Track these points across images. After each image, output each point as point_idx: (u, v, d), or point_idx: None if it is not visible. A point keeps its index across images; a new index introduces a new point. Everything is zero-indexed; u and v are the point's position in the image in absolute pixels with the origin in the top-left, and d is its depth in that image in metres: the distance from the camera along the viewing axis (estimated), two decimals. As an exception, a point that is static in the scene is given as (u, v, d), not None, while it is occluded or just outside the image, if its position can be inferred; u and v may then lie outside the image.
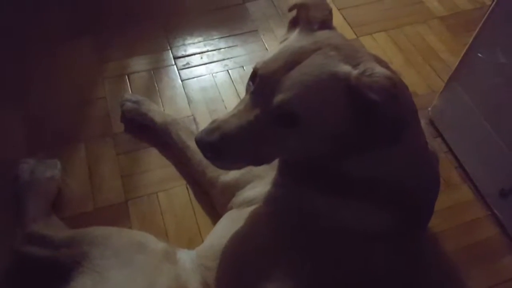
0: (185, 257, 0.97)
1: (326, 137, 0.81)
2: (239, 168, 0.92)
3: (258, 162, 0.88)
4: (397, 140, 0.78)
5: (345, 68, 0.77)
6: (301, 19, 0.88)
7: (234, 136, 0.80)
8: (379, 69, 0.76)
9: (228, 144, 0.80)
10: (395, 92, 0.74)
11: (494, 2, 1.13)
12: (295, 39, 0.85)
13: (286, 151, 0.86)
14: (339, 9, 1.77)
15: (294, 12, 0.92)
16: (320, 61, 0.79)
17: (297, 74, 0.78)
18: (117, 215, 1.20)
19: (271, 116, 0.79)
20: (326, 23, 0.87)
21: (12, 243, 1.04)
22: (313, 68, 0.78)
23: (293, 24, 0.92)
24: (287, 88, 0.78)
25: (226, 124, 0.80)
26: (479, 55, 1.20)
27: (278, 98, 0.78)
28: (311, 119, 0.78)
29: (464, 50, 1.26)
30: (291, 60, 0.79)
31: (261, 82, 0.81)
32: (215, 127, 0.81)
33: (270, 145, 0.83)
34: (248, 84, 0.86)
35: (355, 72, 0.76)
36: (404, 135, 0.79)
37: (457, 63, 1.31)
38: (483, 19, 1.17)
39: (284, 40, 0.90)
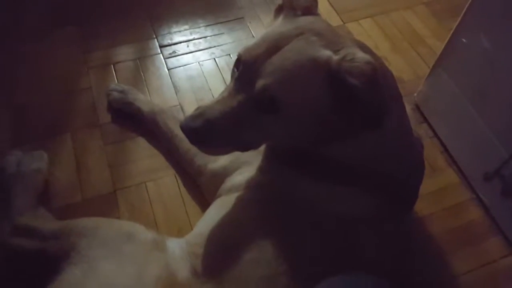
0: (175, 245, 0.97)
1: (308, 122, 0.82)
2: (225, 153, 0.93)
3: (244, 148, 0.89)
4: (378, 125, 0.79)
5: (326, 53, 0.78)
6: (286, 6, 0.89)
7: (218, 121, 0.81)
8: (360, 54, 0.77)
9: (212, 129, 0.82)
10: (375, 77, 0.75)
11: (478, -13, 1.14)
12: (278, 25, 0.86)
13: (269, 136, 0.87)
14: (325, -4, 1.77)
15: (280, 0, 0.92)
16: (301, 46, 0.79)
17: (278, 59, 0.79)
18: (106, 205, 1.19)
19: (253, 101, 0.80)
20: (310, 9, 0.88)
21: (0, 235, 1.04)
22: (294, 53, 0.79)
23: (279, 11, 0.92)
24: (268, 73, 0.79)
25: (210, 110, 0.82)
26: (463, 40, 1.21)
27: (259, 83, 0.79)
28: (292, 104, 0.79)
29: (449, 36, 1.27)
30: (273, 46, 0.80)
31: (244, 68, 0.82)
32: (199, 113, 0.82)
33: (253, 130, 0.84)
34: (233, 71, 0.87)
35: (335, 57, 0.77)
36: (386, 120, 0.79)
37: (442, 48, 1.32)
38: (467, 4, 1.17)
39: (269, 27, 0.90)
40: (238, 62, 0.84)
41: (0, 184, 1.15)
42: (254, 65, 0.80)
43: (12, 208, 1.07)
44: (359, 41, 0.88)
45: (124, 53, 1.54)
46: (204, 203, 1.17)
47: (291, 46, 0.79)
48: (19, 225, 1.03)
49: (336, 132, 0.82)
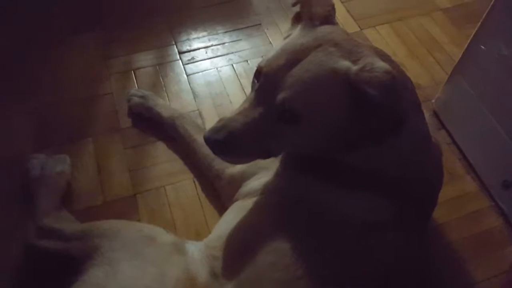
0: (193, 248, 0.99)
1: (328, 132, 0.83)
2: (247, 162, 0.96)
3: (265, 156, 0.92)
4: (397, 133, 0.80)
5: (345, 64, 0.79)
6: (304, 15, 0.90)
7: (240, 133, 0.84)
8: (378, 64, 0.78)
9: (235, 141, 0.84)
10: (394, 86, 0.76)
11: (497, -6, 1.14)
12: (297, 35, 0.88)
13: (290, 146, 0.89)
14: (342, 2, 1.78)
15: (297, 8, 0.93)
16: (320, 58, 0.81)
17: (298, 72, 0.80)
18: (126, 208, 1.22)
19: (274, 113, 0.82)
20: (328, 19, 0.89)
21: (24, 236, 1.07)
22: (313, 65, 0.80)
23: (296, 19, 0.94)
24: (288, 86, 0.80)
25: (232, 122, 0.84)
26: (482, 47, 1.21)
27: (280, 96, 0.81)
28: (313, 115, 0.81)
29: (467, 42, 1.26)
30: (293, 58, 0.82)
31: (265, 81, 0.84)
32: (222, 126, 0.85)
33: (275, 140, 0.86)
34: (253, 82, 0.89)
35: (354, 67, 0.78)
36: (405, 128, 0.80)
37: (460, 55, 1.31)
38: (486, 11, 1.17)
39: (288, 36, 0.92)
40: (259, 74, 0.86)
41: (24, 186, 1.18)
42: (275, 78, 0.82)
43: (36, 210, 1.10)
44: (378, 49, 0.89)
45: (144, 59, 1.57)
46: (221, 207, 1.19)
47: (311, 58, 0.81)
48: (43, 227, 1.06)
49: (355, 140, 0.83)
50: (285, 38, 0.92)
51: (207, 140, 0.86)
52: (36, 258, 1.06)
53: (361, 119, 0.80)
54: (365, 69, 0.77)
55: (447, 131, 1.42)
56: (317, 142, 0.86)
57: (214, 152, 0.89)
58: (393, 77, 0.76)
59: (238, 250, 0.93)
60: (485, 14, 1.18)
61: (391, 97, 0.76)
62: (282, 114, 0.82)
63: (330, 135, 0.83)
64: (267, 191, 0.99)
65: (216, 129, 0.85)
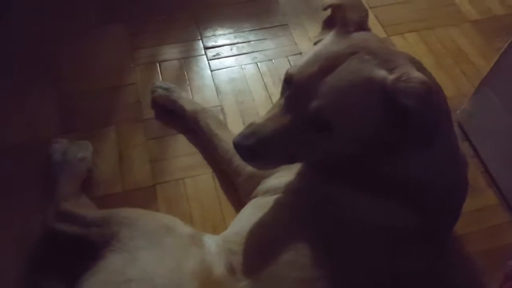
0: (211, 241, 0.99)
1: (359, 141, 0.82)
2: (274, 167, 0.96)
3: (292, 162, 0.92)
4: (430, 144, 0.79)
5: (381, 73, 0.78)
6: (337, 21, 0.89)
7: (270, 140, 0.83)
8: (415, 74, 0.77)
9: (264, 147, 0.84)
10: (429, 97, 0.75)
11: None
12: (330, 42, 0.86)
13: (320, 153, 0.88)
14: (370, 8, 1.77)
15: (328, 11, 0.92)
16: (355, 66, 0.79)
17: (332, 80, 0.79)
18: (145, 198, 1.22)
19: (305, 121, 0.81)
20: (362, 25, 0.88)
21: (44, 219, 1.08)
22: (348, 73, 0.79)
23: (328, 24, 0.92)
24: (322, 94, 0.79)
25: (262, 128, 0.84)
26: (514, 61, 1.19)
27: (314, 104, 0.79)
28: (346, 124, 0.80)
29: (498, 55, 1.25)
30: (327, 65, 0.80)
31: (296, 87, 0.83)
32: (251, 132, 0.84)
33: (305, 148, 0.85)
34: (282, 87, 0.87)
35: (390, 77, 0.77)
36: (437, 138, 0.79)
37: (488, 67, 1.30)
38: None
39: (319, 40, 0.90)
40: (290, 80, 0.85)
41: (46, 169, 1.20)
42: (307, 85, 0.81)
43: (57, 194, 1.12)
44: (413, 58, 0.87)
45: (170, 53, 1.58)
46: (239, 203, 1.19)
47: (345, 66, 0.79)
48: (63, 211, 1.07)
49: (386, 149, 0.82)
50: (315, 43, 0.91)
51: (237, 145, 0.86)
52: (54, 241, 1.07)
53: (394, 129, 0.79)
54: (401, 79, 0.76)
55: (471, 143, 1.40)
56: (349, 150, 0.85)
57: (243, 158, 0.88)
58: (429, 88, 0.75)
59: (257, 247, 0.92)
60: (518, 27, 1.16)
61: (426, 108, 0.75)
62: (314, 123, 0.80)
63: (362, 143, 0.82)
64: (289, 190, 0.98)
65: (245, 135, 0.85)
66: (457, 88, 1.55)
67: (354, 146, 0.83)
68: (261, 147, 0.84)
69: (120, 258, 0.90)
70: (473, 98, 1.38)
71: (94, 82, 1.47)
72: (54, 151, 1.22)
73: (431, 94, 0.75)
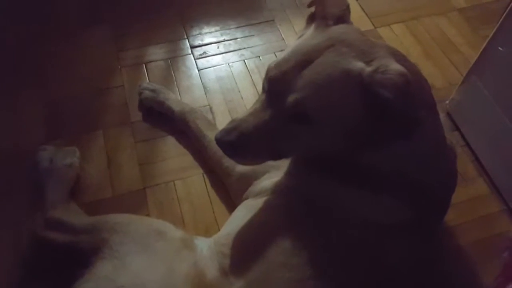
0: (203, 244, 0.99)
1: (340, 133, 0.82)
2: (258, 163, 0.95)
3: (276, 157, 0.91)
4: (409, 136, 0.79)
5: (358, 65, 0.78)
6: (317, 15, 0.89)
7: (251, 134, 0.84)
8: (393, 66, 0.76)
9: (246, 142, 0.84)
10: (408, 89, 0.75)
11: (516, -5, 1.12)
12: (309, 36, 0.86)
13: (301, 147, 0.88)
14: (357, 0, 1.76)
15: (313, 8, 0.92)
16: (332, 59, 0.79)
17: (309, 73, 0.79)
18: (135, 202, 1.21)
19: (285, 115, 0.82)
20: (342, 19, 0.87)
21: (33, 228, 1.07)
22: (325, 66, 0.79)
23: (311, 20, 0.92)
24: (299, 88, 0.79)
25: (243, 123, 0.84)
26: (500, 49, 1.18)
27: (291, 98, 0.80)
28: (324, 117, 0.80)
29: (484, 44, 1.24)
30: (304, 59, 0.80)
31: (275, 82, 0.83)
32: (233, 127, 0.85)
33: (286, 141, 0.85)
34: (264, 82, 0.88)
35: (368, 69, 0.77)
36: (420, 130, 0.79)
37: (476, 56, 1.29)
38: (505, 12, 1.15)
39: (301, 36, 0.90)
40: (269, 75, 0.85)
41: (33, 177, 1.18)
42: (285, 79, 0.81)
43: (45, 202, 1.11)
44: (393, 49, 0.86)
45: (156, 53, 1.57)
46: (231, 204, 1.18)
47: (322, 59, 0.79)
48: (52, 219, 1.06)
49: (367, 141, 0.82)
50: (298, 38, 0.91)
51: (218, 141, 0.86)
52: (44, 250, 1.06)
53: (374, 120, 0.78)
54: (379, 70, 0.75)
55: (461, 133, 1.40)
56: (329, 143, 0.84)
57: (226, 153, 0.89)
58: (407, 80, 0.75)
59: (248, 249, 0.92)
60: (503, 15, 1.15)
61: (404, 100, 0.74)
62: (294, 116, 0.81)
63: (342, 136, 0.82)
64: (278, 191, 0.98)
65: (227, 130, 0.85)
66: (445, 78, 1.55)
67: (336, 139, 0.83)
68: (243, 141, 0.84)
69: (110, 264, 0.90)
70: (461, 87, 1.38)
71: (80, 86, 1.45)
72: (41, 159, 1.21)
73: (409, 85, 0.74)
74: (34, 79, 1.46)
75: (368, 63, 0.78)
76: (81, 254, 0.96)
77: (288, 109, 0.80)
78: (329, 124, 0.81)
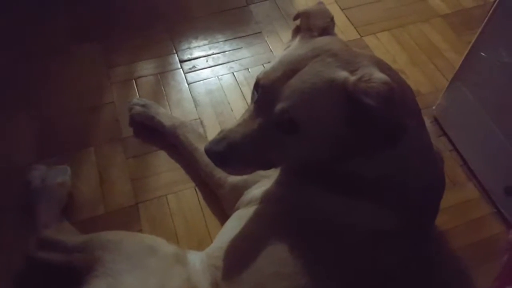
0: (195, 258, 0.99)
1: (327, 142, 0.83)
2: (248, 173, 0.96)
3: (266, 167, 0.92)
4: (394, 144, 0.80)
5: (342, 74, 0.80)
6: (302, 27, 0.92)
7: (240, 144, 0.85)
8: (376, 75, 0.78)
9: (235, 152, 0.86)
10: (391, 97, 0.76)
11: (497, 1, 1.14)
12: (295, 47, 0.89)
13: (290, 156, 0.89)
14: (342, 9, 1.78)
15: (299, 21, 0.95)
16: (317, 68, 0.81)
17: (295, 83, 0.81)
18: (128, 218, 1.22)
19: (273, 124, 0.83)
20: (326, 30, 0.90)
21: (26, 248, 1.07)
22: (310, 75, 0.81)
23: (297, 32, 0.94)
24: (286, 97, 0.81)
25: (232, 134, 0.86)
26: (482, 54, 1.21)
27: (278, 107, 0.81)
28: (310, 125, 0.82)
29: (468, 49, 1.27)
30: (290, 69, 0.82)
31: (262, 92, 0.85)
32: (222, 137, 0.87)
33: (275, 151, 0.87)
34: (252, 93, 0.90)
35: (352, 78, 0.78)
36: (405, 137, 0.80)
37: (460, 61, 1.31)
38: (486, 18, 1.17)
39: (288, 47, 0.92)
40: (257, 85, 0.87)
41: (25, 197, 1.18)
42: (273, 89, 0.83)
43: (37, 222, 1.11)
44: (377, 58, 0.89)
45: (146, 68, 1.58)
46: (223, 215, 1.19)
47: (308, 69, 0.81)
48: (44, 239, 1.06)
49: (355, 149, 0.83)
50: (285, 50, 0.93)
51: (208, 151, 0.88)
52: (37, 270, 1.06)
53: (359, 129, 0.80)
54: (362, 79, 0.77)
55: (448, 138, 1.42)
56: (317, 151, 0.86)
57: (215, 164, 0.90)
58: (391, 88, 0.76)
59: (240, 260, 0.92)
60: (485, 21, 1.18)
61: (388, 108, 0.76)
62: (281, 125, 0.82)
63: (329, 144, 0.84)
64: (267, 200, 0.99)
65: (216, 141, 0.87)
66: (432, 84, 1.57)
67: (323, 148, 0.84)
68: (232, 151, 0.86)
69: (104, 283, 0.90)
70: (447, 93, 1.40)
71: (71, 103, 1.46)
72: (33, 178, 1.20)
73: (393, 93, 0.76)
74: (24, 97, 1.46)
75: (352, 72, 0.80)
76: (75, 273, 0.97)
77: (275, 118, 0.82)
78: (315, 133, 0.82)
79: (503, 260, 1.00)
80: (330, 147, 0.84)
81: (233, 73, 1.59)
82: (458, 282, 1.15)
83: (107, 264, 0.92)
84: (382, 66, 0.85)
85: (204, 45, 1.67)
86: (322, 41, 0.86)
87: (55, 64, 1.56)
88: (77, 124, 1.41)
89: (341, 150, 0.84)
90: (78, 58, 1.58)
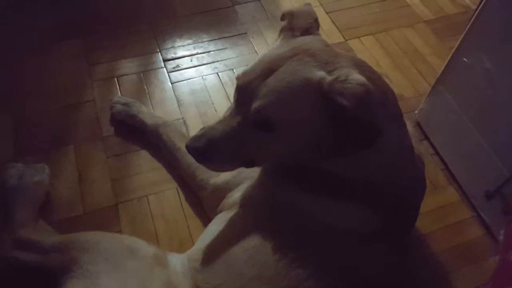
0: (176, 261, 0.97)
1: (304, 140, 0.84)
2: (229, 170, 0.97)
3: (247, 164, 0.92)
4: (369, 145, 0.80)
5: (319, 74, 0.80)
6: (284, 27, 0.92)
7: (219, 140, 0.86)
8: (353, 76, 0.78)
9: (214, 148, 0.87)
10: (367, 98, 0.76)
11: (479, 8, 1.15)
12: (275, 46, 0.89)
13: (268, 153, 0.90)
14: (327, 13, 1.79)
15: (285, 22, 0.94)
16: (294, 68, 0.81)
17: (272, 81, 0.82)
18: (107, 218, 1.19)
19: (250, 122, 0.84)
20: (309, 30, 0.90)
21: (0, 248, 1.03)
22: (286, 75, 0.81)
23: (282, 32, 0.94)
24: (262, 95, 0.82)
25: (212, 130, 0.87)
26: (465, 59, 1.22)
27: (255, 105, 0.82)
28: (286, 123, 0.82)
29: (450, 55, 1.28)
30: (268, 68, 0.83)
31: (241, 90, 0.86)
32: (202, 134, 0.88)
33: (253, 148, 0.87)
34: (235, 92, 0.90)
35: (328, 78, 0.79)
36: (384, 139, 0.80)
37: (443, 66, 1.33)
38: (468, 24, 1.19)
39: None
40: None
41: (1, 197, 1.15)
42: (250, 87, 0.83)
43: (13, 221, 1.07)
44: (358, 60, 0.88)
45: (128, 67, 1.56)
46: (205, 217, 1.18)
47: (285, 68, 0.82)
48: (20, 238, 1.03)
49: (333, 149, 0.83)
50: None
51: (188, 147, 0.89)
52: (12, 271, 1.02)
53: (336, 129, 0.80)
54: (338, 80, 0.77)
55: (430, 142, 1.43)
56: (295, 150, 0.86)
57: (196, 159, 0.90)
58: (367, 90, 0.76)
59: (222, 264, 0.91)
60: (467, 27, 1.19)
61: (363, 109, 0.76)
62: (257, 122, 0.83)
63: (306, 143, 0.84)
64: (248, 202, 0.98)
65: (196, 137, 0.88)
66: (414, 88, 1.58)
67: (300, 146, 0.85)
68: (211, 148, 0.87)
69: (81, 284, 0.88)
70: (429, 97, 1.41)
71: (50, 101, 1.43)
72: (9, 176, 1.17)
73: (369, 95, 0.76)
74: (3, 94, 1.42)
75: (329, 72, 0.80)
76: (51, 274, 0.94)
77: (252, 116, 0.83)
78: (291, 131, 0.83)
79: (496, 261, 1.01)
80: (307, 146, 0.84)
81: (217, 73, 1.57)
82: (438, 285, 1.15)
83: (85, 265, 0.90)
84: (363, 67, 0.85)
85: (189, 44, 1.65)
86: (302, 41, 0.87)
87: (36, 61, 1.52)
88: (57, 122, 1.38)
89: (318, 149, 0.84)
90: (59, 55, 1.55)
